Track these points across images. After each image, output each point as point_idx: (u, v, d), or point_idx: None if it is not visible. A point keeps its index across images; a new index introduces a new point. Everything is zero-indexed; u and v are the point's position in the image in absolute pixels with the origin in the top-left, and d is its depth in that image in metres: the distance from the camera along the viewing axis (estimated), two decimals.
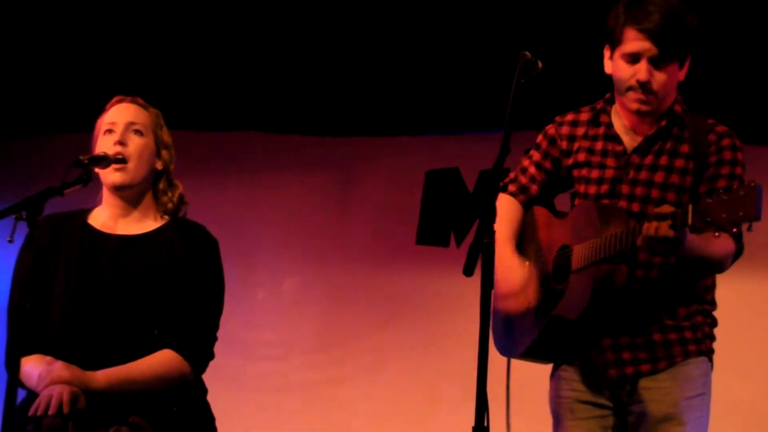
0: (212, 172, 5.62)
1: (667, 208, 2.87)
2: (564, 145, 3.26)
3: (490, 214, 2.63)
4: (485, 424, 2.53)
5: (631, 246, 2.91)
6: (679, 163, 3.11)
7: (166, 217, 3.27)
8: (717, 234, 2.73)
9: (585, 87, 3.48)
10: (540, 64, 2.72)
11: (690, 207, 2.75)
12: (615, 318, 3.07)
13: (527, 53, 2.71)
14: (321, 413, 5.51)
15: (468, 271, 2.62)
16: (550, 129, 3.31)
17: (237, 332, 5.35)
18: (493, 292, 3.33)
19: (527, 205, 3.33)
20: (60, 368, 3.00)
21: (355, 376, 5.54)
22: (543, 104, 3.56)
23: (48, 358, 3.05)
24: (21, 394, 3.12)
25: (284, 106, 5.54)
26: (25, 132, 5.80)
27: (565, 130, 3.26)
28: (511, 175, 3.40)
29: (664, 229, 2.80)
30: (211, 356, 3.20)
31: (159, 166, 3.26)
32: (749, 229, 2.70)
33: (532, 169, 3.33)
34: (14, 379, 2.74)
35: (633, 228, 2.91)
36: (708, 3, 4.56)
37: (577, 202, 3.24)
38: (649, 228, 2.83)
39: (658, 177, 3.11)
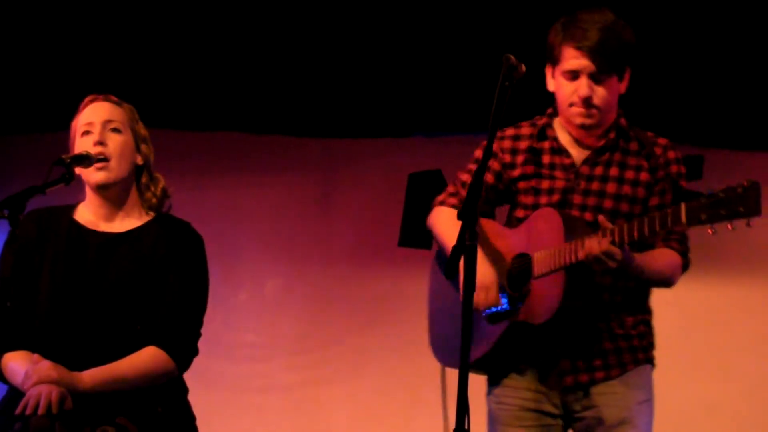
0: (193, 173, 5.60)
1: (605, 223, 2.96)
2: (507, 158, 3.29)
3: (472, 216, 2.63)
4: (465, 426, 2.54)
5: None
6: (630, 174, 3.19)
7: (151, 213, 3.26)
8: (711, 231, 2.76)
9: None
10: (524, 68, 2.73)
11: (683, 205, 2.79)
12: (573, 325, 3.12)
13: (511, 56, 2.72)
14: (302, 414, 5.51)
15: (450, 274, 2.62)
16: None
17: (218, 333, 5.33)
18: (432, 302, 3.38)
19: None
20: (47, 367, 2.97)
21: (336, 378, 5.54)
22: (526, 107, 3.57)
23: (35, 356, 3.02)
24: (1, 390, 3.11)
25: (266, 107, 5.52)
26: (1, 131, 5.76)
27: (507, 144, 3.31)
28: (449, 188, 3.41)
29: (606, 244, 2.89)
30: (195, 352, 3.18)
31: (139, 161, 3.25)
32: (747, 225, 2.73)
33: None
34: None
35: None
36: (706, 11, 4.59)
37: (519, 214, 3.25)
38: (591, 243, 2.90)
39: (611, 188, 3.18)
